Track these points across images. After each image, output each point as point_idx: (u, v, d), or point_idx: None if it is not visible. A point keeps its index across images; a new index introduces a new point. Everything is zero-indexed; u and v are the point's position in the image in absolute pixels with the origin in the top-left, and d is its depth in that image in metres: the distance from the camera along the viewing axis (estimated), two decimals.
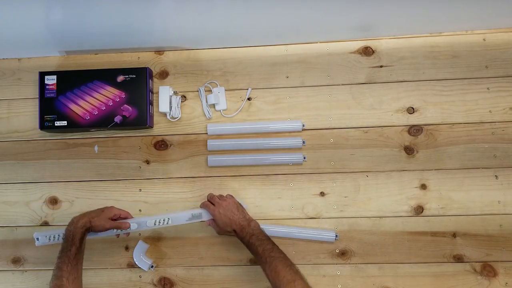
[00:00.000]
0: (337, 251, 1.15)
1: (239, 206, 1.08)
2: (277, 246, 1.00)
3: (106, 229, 1.05)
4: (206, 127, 1.19)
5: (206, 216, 1.10)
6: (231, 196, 1.12)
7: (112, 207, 1.09)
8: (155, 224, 1.10)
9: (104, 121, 1.16)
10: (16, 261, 1.21)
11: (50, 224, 1.21)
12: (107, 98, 1.17)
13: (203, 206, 1.10)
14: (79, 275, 0.98)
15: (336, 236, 1.13)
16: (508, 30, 1.16)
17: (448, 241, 1.13)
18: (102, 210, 1.07)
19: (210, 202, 1.09)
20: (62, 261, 0.97)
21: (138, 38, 1.16)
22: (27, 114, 1.24)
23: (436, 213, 1.13)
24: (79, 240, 1.00)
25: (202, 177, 1.18)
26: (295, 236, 1.14)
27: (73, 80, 1.18)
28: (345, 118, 1.17)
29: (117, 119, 1.16)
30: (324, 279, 1.14)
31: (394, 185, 1.15)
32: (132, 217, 1.11)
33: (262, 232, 1.03)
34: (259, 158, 1.17)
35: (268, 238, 1.02)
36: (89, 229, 1.03)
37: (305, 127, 1.17)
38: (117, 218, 1.08)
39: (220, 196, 1.11)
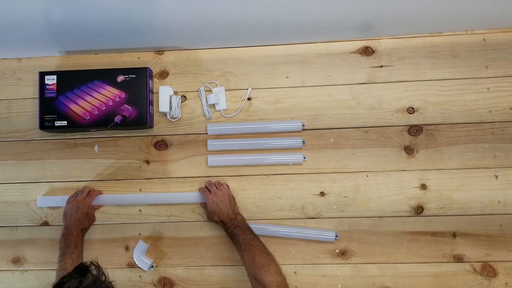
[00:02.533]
0: (337, 251, 1.15)
1: (232, 200, 1.13)
2: (258, 237, 1.05)
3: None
4: (206, 127, 1.19)
5: (200, 200, 1.16)
6: (228, 186, 1.15)
7: (85, 199, 1.15)
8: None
9: (104, 121, 1.16)
10: (16, 261, 1.21)
11: (50, 224, 1.21)
12: (107, 98, 1.17)
13: (200, 190, 1.15)
14: None
15: (336, 236, 1.13)
16: (508, 30, 1.16)
17: (448, 241, 1.13)
18: (86, 213, 1.14)
19: (208, 188, 1.14)
20: (66, 262, 1.05)
21: (138, 38, 1.16)
22: (27, 114, 1.24)
23: (436, 213, 1.13)
24: (81, 245, 1.12)
25: (202, 177, 1.18)
26: (295, 236, 1.14)
27: (73, 80, 1.18)
28: (345, 118, 1.17)
29: (117, 119, 1.16)
30: (324, 279, 1.14)
31: (394, 185, 1.15)
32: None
33: (246, 224, 1.09)
34: (259, 158, 1.17)
35: (250, 230, 1.07)
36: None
37: (305, 127, 1.17)
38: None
39: (218, 184, 1.14)
